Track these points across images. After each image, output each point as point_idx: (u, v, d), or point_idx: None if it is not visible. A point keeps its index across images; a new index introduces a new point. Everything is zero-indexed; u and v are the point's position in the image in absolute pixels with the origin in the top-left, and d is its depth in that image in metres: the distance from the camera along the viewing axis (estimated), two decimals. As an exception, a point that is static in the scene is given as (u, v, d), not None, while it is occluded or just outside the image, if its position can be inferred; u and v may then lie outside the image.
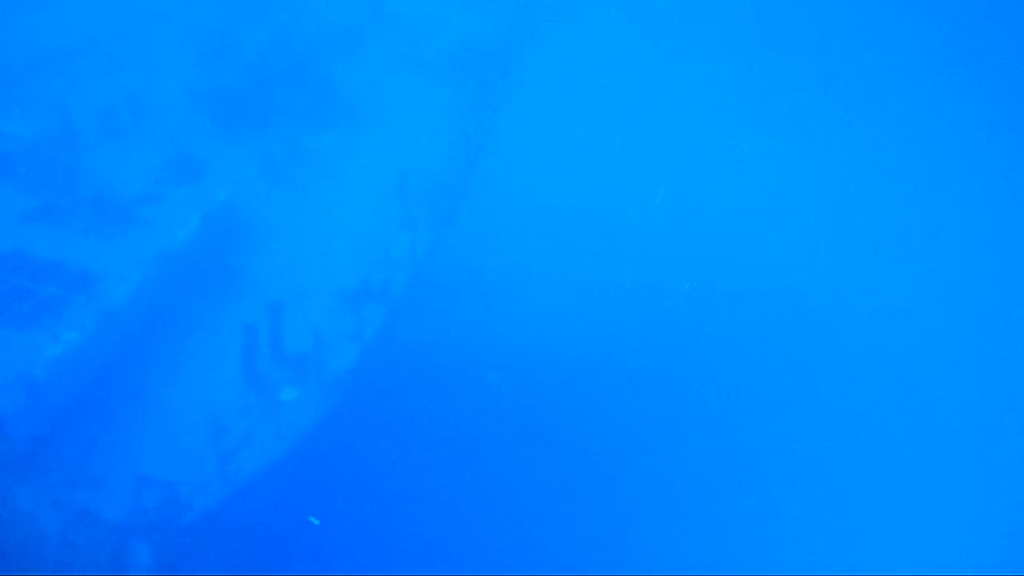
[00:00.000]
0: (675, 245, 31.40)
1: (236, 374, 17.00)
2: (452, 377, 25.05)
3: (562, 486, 23.41)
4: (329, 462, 18.05)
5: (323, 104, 23.65)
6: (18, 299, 17.18)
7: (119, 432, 16.03)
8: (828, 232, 32.67)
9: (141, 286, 17.97)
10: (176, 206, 19.95)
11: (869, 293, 30.38)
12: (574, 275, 29.69)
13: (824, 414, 26.17)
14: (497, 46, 25.18)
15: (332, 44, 25.48)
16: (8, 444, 14.39)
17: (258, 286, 19.00)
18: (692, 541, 22.50)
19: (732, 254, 31.32)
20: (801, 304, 29.86)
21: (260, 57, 24.23)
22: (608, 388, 26.14)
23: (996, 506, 24.04)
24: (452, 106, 24.11)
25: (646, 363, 27.00)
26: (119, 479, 14.95)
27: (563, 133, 34.19)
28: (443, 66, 25.04)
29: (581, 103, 35.44)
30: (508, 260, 29.57)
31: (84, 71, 23.94)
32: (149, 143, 21.87)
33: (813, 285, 30.49)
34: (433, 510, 21.92)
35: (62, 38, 24.68)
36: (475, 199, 23.58)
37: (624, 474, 23.89)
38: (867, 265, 31.39)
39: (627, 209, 32.36)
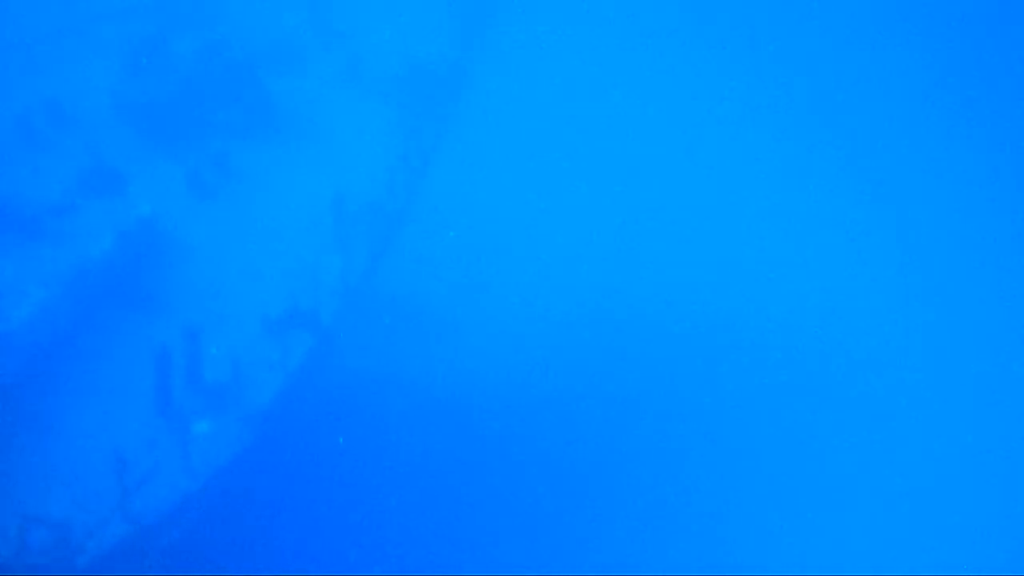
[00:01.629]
0: (622, 267, 30.83)
1: (146, 403, 15.59)
2: (384, 412, 23.72)
3: (497, 523, 22.26)
4: (244, 502, 16.64)
5: (257, 119, 22.42)
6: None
7: (7, 465, 14.50)
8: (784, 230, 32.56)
9: (45, 305, 16.50)
10: (90, 220, 18.55)
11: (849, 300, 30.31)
12: (517, 303, 28.71)
13: (804, 413, 26.01)
14: (444, 66, 24.14)
15: (270, 57, 24.23)
16: None
17: (176, 309, 17.62)
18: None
19: (682, 270, 30.89)
20: (758, 307, 29.72)
21: (193, 67, 22.84)
22: (552, 422, 25.08)
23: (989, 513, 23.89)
24: (394, 126, 23.00)
25: (592, 393, 26.13)
26: (4, 517, 13.49)
27: (512, 155, 33.35)
28: (386, 85, 23.91)
29: (532, 125, 34.64)
30: (450, 287, 28.46)
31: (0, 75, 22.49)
32: (65, 151, 20.46)
33: (772, 285, 30.44)
34: (360, 554, 20.50)
35: None
36: (415, 223, 22.45)
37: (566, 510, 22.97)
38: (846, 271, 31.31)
39: (575, 235, 31.55)
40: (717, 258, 31.68)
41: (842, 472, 24.56)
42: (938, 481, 24.51)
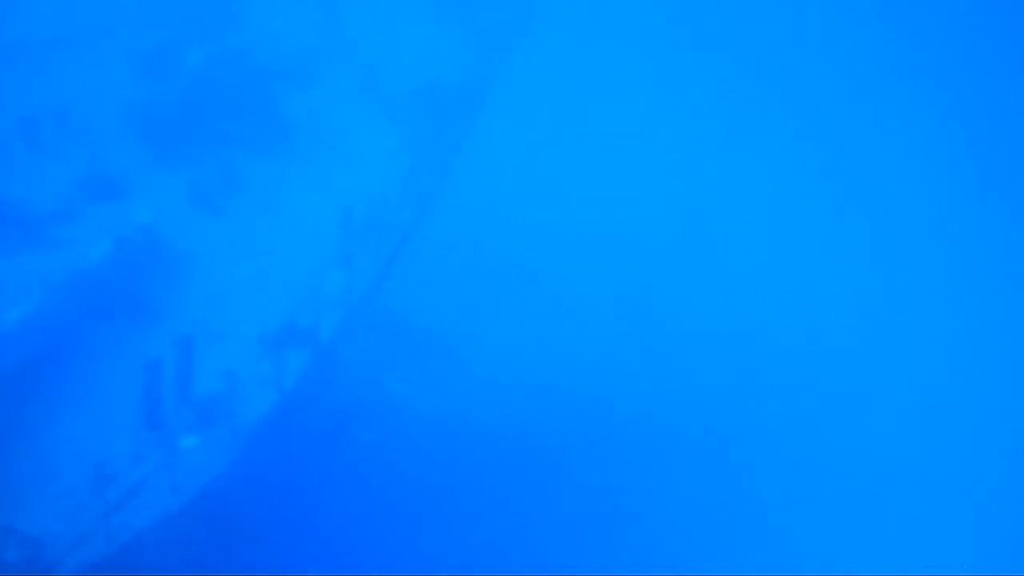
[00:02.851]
0: (629, 293, 30.42)
1: (133, 415, 15.08)
2: (381, 437, 23.14)
3: (492, 548, 21.65)
4: (229, 520, 16.07)
5: (265, 131, 22.09)
6: None
7: None
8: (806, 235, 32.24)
9: (39, 309, 16.06)
10: (89, 225, 18.14)
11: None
12: (529, 336, 28.17)
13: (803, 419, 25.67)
14: (460, 84, 23.77)
15: (282, 69, 23.95)
16: None
17: (170, 319, 17.15)
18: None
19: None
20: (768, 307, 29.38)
21: (202, 77, 22.62)
22: (550, 450, 24.51)
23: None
24: (405, 143, 22.59)
25: (597, 416, 25.64)
26: (-21, 528, 12.98)
27: (530, 176, 32.99)
28: (399, 101, 23.54)
29: (551, 148, 34.30)
30: (458, 310, 27.92)
31: (5, 75, 22.16)
32: (69, 157, 20.10)
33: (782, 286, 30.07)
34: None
35: None
36: (424, 242, 22.00)
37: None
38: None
39: (585, 260, 31.10)
40: (734, 268, 31.45)
41: (863, 474, 24.23)
42: (947, 484, 24.34)
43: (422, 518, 21.46)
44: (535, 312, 28.90)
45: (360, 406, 23.39)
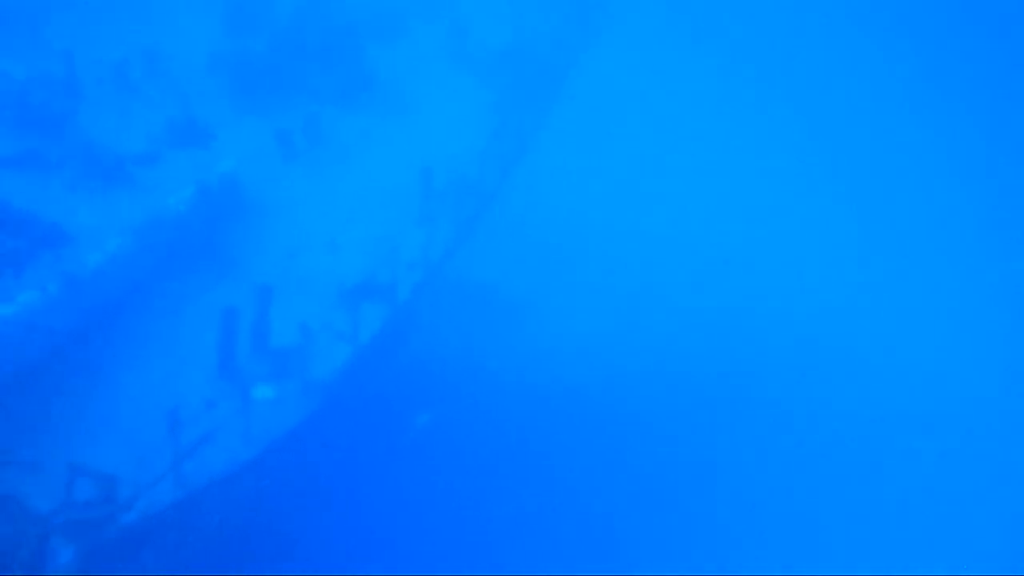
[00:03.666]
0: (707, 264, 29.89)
1: (207, 362, 14.99)
2: (456, 396, 22.87)
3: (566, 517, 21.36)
4: (301, 475, 15.96)
5: (352, 85, 21.80)
6: (-24, 248, 15.29)
7: (63, 412, 14.01)
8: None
9: (118, 252, 16.02)
10: (173, 170, 18.06)
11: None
12: (607, 296, 27.70)
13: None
14: (549, 46, 23.23)
15: (372, 23, 23.61)
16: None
17: (248, 268, 17.01)
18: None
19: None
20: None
21: (292, 27, 22.38)
22: (624, 416, 24.11)
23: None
24: (491, 104, 22.16)
25: (664, 388, 25.22)
26: (51, 465, 12.99)
27: (619, 141, 32.35)
28: (487, 61, 23.10)
29: (641, 110, 33.62)
30: (537, 273, 27.49)
31: (100, 19, 22.21)
32: (156, 101, 20.05)
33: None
34: (416, 537, 19.66)
35: None
36: (508, 204, 21.59)
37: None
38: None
39: (670, 235, 30.49)
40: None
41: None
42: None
43: (498, 483, 21.22)
44: (612, 288, 28.39)
45: (436, 365, 23.17)
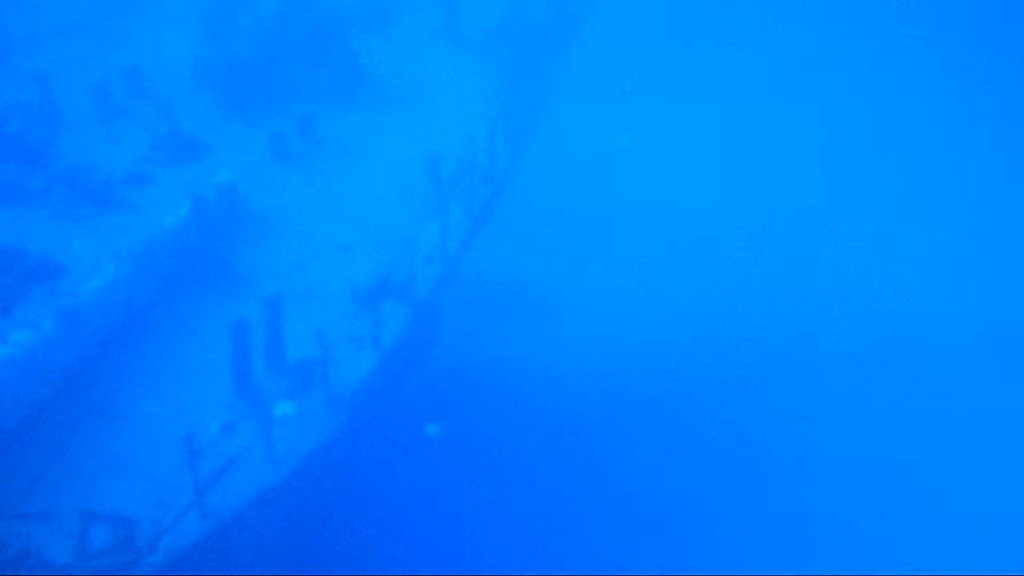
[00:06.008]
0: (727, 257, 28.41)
1: (222, 384, 13.92)
2: (487, 395, 21.68)
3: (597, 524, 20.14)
4: (333, 495, 14.85)
5: (345, 80, 20.74)
6: (-37, 291, 14.24)
7: (70, 454, 12.94)
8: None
9: (115, 280, 14.96)
10: (166, 188, 17.01)
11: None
12: (634, 285, 26.39)
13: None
14: (548, 16, 22.11)
15: (359, 14, 22.57)
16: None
17: (255, 281, 15.92)
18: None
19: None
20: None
21: (276, 26, 21.30)
22: (655, 414, 22.86)
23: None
24: (493, 84, 21.06)
25: (690, 383, 23.83)
26: (64, 514, 11.94)
27: (624, 117, 31.10)
28: (484, 39, 22.02)
29: (644, 83, 32.39)
30: (555, 258, 26.24)
31: (76, 42, 21.26)
32: (142, 119, 19.03)
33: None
34: (451, 553, 18.45)
35: (65, 11, 22.21)
36: (520, 188, 20.45)
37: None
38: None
39: (687, 220, 29.09)
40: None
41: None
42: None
43: (539, 488, 20.02)
44: (638, 278, 27.14)
45: (464, 365, 21.97)
